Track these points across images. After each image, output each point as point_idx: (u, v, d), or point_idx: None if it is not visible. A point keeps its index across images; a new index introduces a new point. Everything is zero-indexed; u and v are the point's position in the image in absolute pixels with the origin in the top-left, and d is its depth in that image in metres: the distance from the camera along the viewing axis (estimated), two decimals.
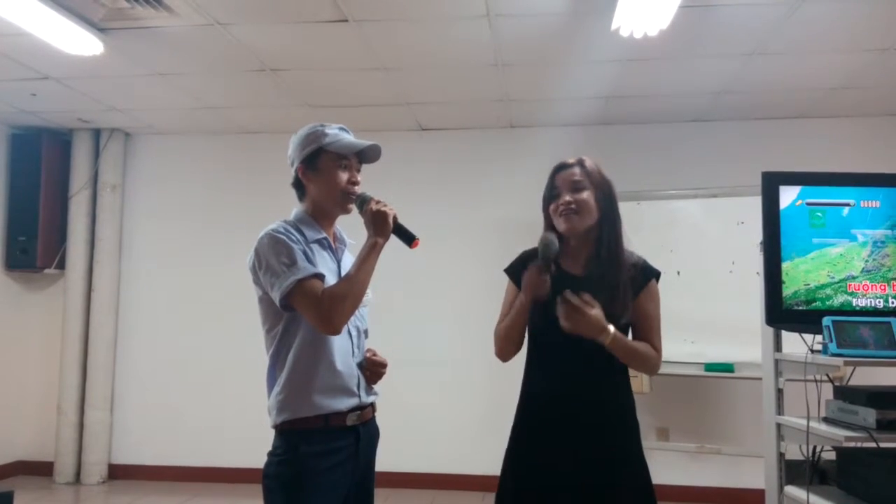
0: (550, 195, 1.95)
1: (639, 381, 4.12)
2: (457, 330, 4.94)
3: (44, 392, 5.26)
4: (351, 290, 1.77)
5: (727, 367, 4.17)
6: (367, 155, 1.96)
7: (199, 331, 5.21)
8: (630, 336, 1.93)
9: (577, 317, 1.76)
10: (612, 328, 1.79)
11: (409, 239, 1.90)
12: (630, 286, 1.89)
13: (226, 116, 4.97)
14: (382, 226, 1.84)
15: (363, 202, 1.88)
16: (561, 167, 1.96)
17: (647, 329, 1.92)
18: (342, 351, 1.84)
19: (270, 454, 1.81)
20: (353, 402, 1.83)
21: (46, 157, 5.20)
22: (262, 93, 4.42)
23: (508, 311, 1.97)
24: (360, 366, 1.91)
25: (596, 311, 1.77)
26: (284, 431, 1.79)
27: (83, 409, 5.14)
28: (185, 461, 5.08)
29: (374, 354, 1.97)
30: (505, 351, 1.97)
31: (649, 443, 4.63)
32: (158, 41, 3.63)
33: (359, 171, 1.96)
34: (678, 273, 4.33)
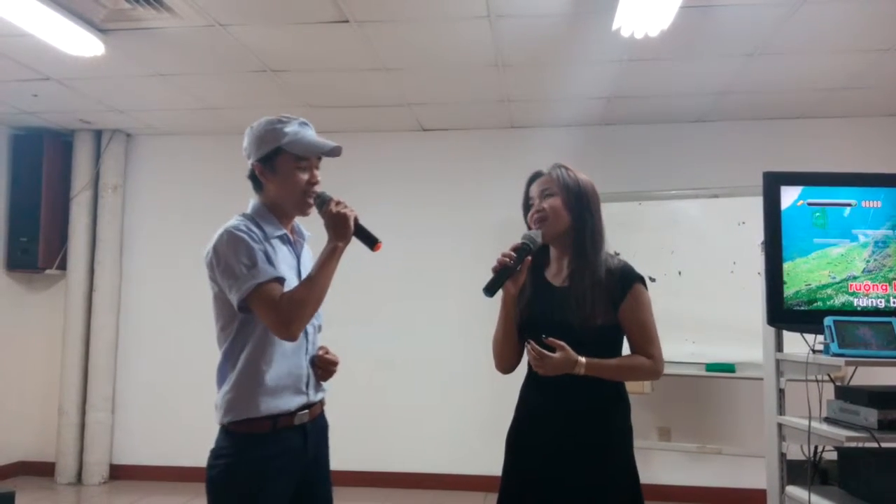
0: (526, 204, 2.03)
1: (639, 382, 4.12)
2: (457, 330, 4.94)
3: (45, 392, 5.27)
4: (310, 296, 1.71)
5: (728, 368, 4.17)
6: (329, 154, 1.87)
7: (200, 331, 5.17)
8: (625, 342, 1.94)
9: (545, 362, 1.80)
10: (582, 360, 1.80)
11: (371, 242, 1.81)
12: (604, 289, 1.87)
13: (227, 117, 4.97)
14: (343, 229, 1.77)
15: (323, 202, 1.80)
16: (533, 177, 2.03)
17: (639, 337, 1.90)
18: (295, 350, 1.81)
19: (215, 454, 1.77)
20: (301, 400, 1.81)
21: (48, 157, 5.21)
22: (264, 93, 4.42)
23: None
24: (312, 363, 1.88)
25: (559, 354, 1.79)
26: (231, 432, 1.76)
27: (84, 410, 5.15)
28: (186, 461, 5.08)
29: (327, 352, 1.93)
30: (503, 363, 1.99)
31: (650, 443, 4.63)
32: (159, 42, 3.63)
33: (318, 168, 1.88)
34: (679, 273, 4.33)
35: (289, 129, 1.83)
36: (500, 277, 1.81)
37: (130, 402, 5.27)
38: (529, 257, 1.85)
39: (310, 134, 1.87)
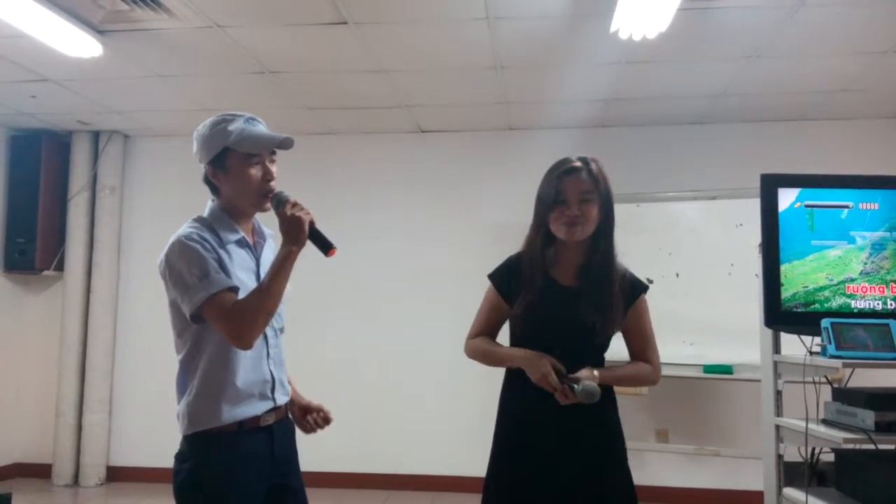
0: (555, 200, 1.84)
1: None
2: (455, 331, 4.89)
3: (42, 394, 5.25)
4: (263, 304, 1.66)
5: (726, 369, 4.17)
6: (280, 147, 1.80)
7: None
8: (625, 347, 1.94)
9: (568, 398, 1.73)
10: (595, 372, 1.76)
11: (325, 247, 1.74)
12: (622, 300, 1.85)
13: None
14: (297, 233, 1.69)
15: (280, 203, 1.73)
16: (568, 171, 1.85)
17: (642, 344, 1.91)
18: (256, 356, 1.76)
19: (179, 459, 1.73)
20: (266, 405, 1.77)
21: (46, 158, 5.20)
22: (262, 95, 4.42)
23: (486, 317, 1.97)
24: (305, 410, 1.88)
25: (583, 374, 1.74)
26: (194, 435, 1.71)
27: (81, 411, 5.13)
28: None
29: (321, 409, 1.93)
30: (481, 362, 1.98)
31: (648, 444, 4.63)
32: (157, 43, 3.63)
33: (273, 162, 1.81)
34: (677, 275, 4.34)
35: (233, 126, 1.78)
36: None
37: (128, 403, 5.26)
38: (567, 399, 1.74)
39: (258, 129, 1.81)
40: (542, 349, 1.80)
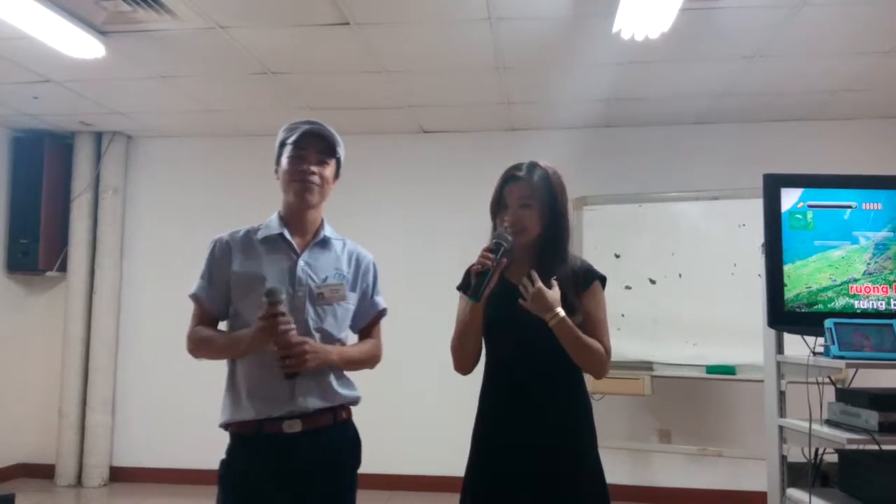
0: (498, 205, 1.95)
1: (640, 384, 4.12)
2: None
3: (45, 394, 5.26)
4: (207, 353, 1.89)
5: (729, 370, 4.16)
6: (328, 142, 1.90)
7: None
8: None
9: (538, 294, 1.76)
10: (561, 311, 1.77)
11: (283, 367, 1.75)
12: (573, 287, 1.88)
13: (227, 119, 4.97)
14: (264, 339, 1.74)
15: (271, 301, 1.72)
16: (509, 179, 1.94)
17: (594, 330, 1.88)
18: (274, 357, 1.77)
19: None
20: (287, 408, 1.78)
21: (48, 159, 5.21)
22: (264, 96, 4.43)
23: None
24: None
25: (554, 291, 1.79)
26: (229, 433, 1.86)
27: (84, 412, 5.14)
28: (186, 464, 5.07)
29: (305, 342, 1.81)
30: (465, 364, 1.92)
31: (651, 445, 4.63)
32: (160, 44, 3.63)
33: (322, 163, 1.89)
34: (680, 275, 4.33)
35: (291, 124, 1.92)
36: (483, 279, 1.76)
37: (130, 404, 5.27)
38: (505, 259, 1.80)
39: (306, 126, 1.91)
40: (510, 349, 1.85)
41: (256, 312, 1.75)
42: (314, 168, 1.87)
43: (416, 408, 4.91)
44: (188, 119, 4.97)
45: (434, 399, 4.93)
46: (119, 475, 5.20)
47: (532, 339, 1.83)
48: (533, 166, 1.95)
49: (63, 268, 5.25)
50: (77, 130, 5.27)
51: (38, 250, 5.14)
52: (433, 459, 4.90)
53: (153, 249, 5.38)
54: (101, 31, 3.47)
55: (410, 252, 5.06)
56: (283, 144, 1.91)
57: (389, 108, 4.66)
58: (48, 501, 4.79)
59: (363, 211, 5.06)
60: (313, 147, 1.88)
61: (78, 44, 3.48)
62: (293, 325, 1.75)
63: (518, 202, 1.90)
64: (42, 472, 5.19)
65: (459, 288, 1.89)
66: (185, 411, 5.14)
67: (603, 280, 1.95)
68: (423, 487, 4.83)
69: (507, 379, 1.89)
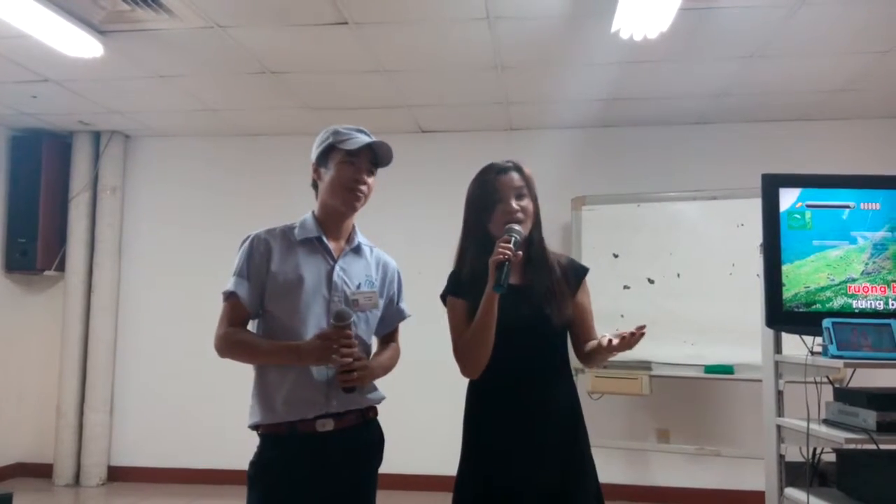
0: (493, 199, 1.89)
1: (638, 383, 4.13)
2: None
3: (43, 394, 5.26)
4: (244, 353, 1.84)
5: (727, 369, 4.17)
6: (381, 156, 1.92)
7: (198, 333, 5.18)
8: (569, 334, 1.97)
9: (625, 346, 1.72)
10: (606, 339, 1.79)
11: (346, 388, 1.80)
12: (566, 284, 1.92)
13: (226, 119, 4.97)
14: (316, 357, 1.76)
15: (340, 319, 1.75)
16: (500, 170, 1.93)
17: (589, 322, 1.97)
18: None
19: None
20: (319, 409, 1.80)
21: (47, 159, 5.20)
22: (262, 95, 4.42)
23: (465, 329, 1.86)
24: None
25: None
26: (259, 434, 1.85)
27: (83, 411, 5.14)
28: (184, 463, 5.07)
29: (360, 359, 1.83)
30: (478, 359, 1.82)
31: (649, 445, 4.63)
32: (158, 43, 3.63)
33: (371, 174, 1.91)
34: (678, 275, 4.34)
35: (343, 129, 1.89)
36: (506, 270, 1.74)
37: (129, 403, 5.27)
38: (521, 252, 1.80)
39: (365, 137, 1.89)
40: (508, 349, 1.81)
41: (292, 316, 1.80)
42: (368, 179, 1.91)
43: (414, 407, 4.90)
44: (187, 118, 4.96)
45: (432, 398, 4.93)
46: (117, 474, 5.20)
47: (525, 341, 1.83)
48: (516, 164, 1.97)
49: (61, 267, 5.24)
50: (75, 130, 5.27)
51: (37, 250, 5.13)
52: (432, 459, 4.89)
53: (151, 249, 5.37)
54: (99, 31, 3.47)
55: (409, 252, 5.04)
56: (332, 148, 1.88)
57: (388, 107, 4.66)
58: (46, 501, 4.79)
59: (361, 211, 5.06)
60: (366, 157, 1.90)
61: (76, 43, 3.48)
62: (356, 343, 1.79)
63: (514, 192, 1.90)
64: (40, 472, 5.19)
65: (447, 293, 1.91)
66: (183, 410, 5.14)
67: (587, 271, 2.01)
68: (421, 487, 4.83)
69: (500, 380, 1.86)
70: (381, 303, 1.99)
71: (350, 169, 1.86)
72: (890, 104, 4.53)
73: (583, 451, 1.89)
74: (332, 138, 1.87)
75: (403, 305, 2.11)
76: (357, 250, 1.98)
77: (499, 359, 1.83)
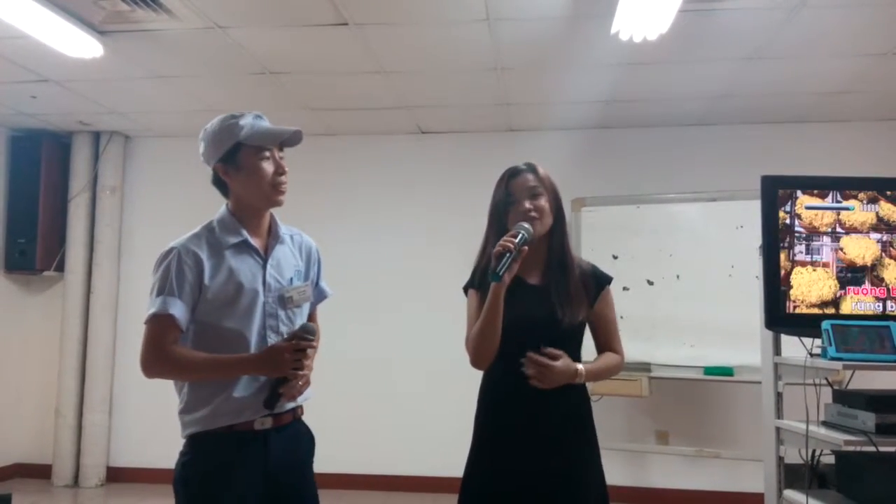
0: (507, 202, 1.95)
1: (637, 385, 4.12)
2: (455, 332, 4.91)
3: (42, 394, 5.25)
4: (186, 372, 1.73)
5: (727, 371, 4.16)
6: (289, 140, 1.82)
7: None
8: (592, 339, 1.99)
9: (548, 373, 1.80)
10: (580, 367, 1.84)
11: (270, 400, 1.75)
12: (584, 290, 1.93)
13: None
14: (274, 368, 1.72)
15: (306, 335, 1.74)
16: (513, 174, 1.98)
17: (609, 334, 1.99)
18: None
19: (179, 455, 1.78)
20: (261, 412, 1.76)
21: (46, 159, 5.20)
22: (263, 96, 4.42)
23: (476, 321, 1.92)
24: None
25: (561, 362, 1.81)
26: (188, 435, 1.77)
27: (82, 412, 5.14)
28: None
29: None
30: (485, 351, 1.86)
31: (649, 446, 4.63)
32: (158, 44, 3.63)
33: (282, 158, 1.82)
34: (678, 277, 4.33)
35: (244, 122, 1.79)
36: (505, 261, 1.76)
37: (128, 404, 5.26)
38: (526, 247, 1.81)
39: (266, 124, 1.82)
40: (518, 346, 1.84)
41: (235, 325, 1.74)
42: (286, 167, 1.83)
43: (414, 408, 4.90)
44: (186, 119, 4.96)
45: (431, 399, 4.93)
46: (116, 475, 5.20)
47: (536, 339, 1.84)
48: (530, 164, 2.01)
49: (60, 268, 5.24)
50: (75, 130, 5.26)
51: (36, 250, 5.13)
52: (431, 460, 4.89)
53: (151, 249, 5.26)
54: (99, 31, 3.47)
55: (408, 253, 5.06)
56: (240, 145, 1.78)
57: (388, 108, 4.66)
58: (45, 501, 4.78)
59: (361, 211, 5.06)
60: (276, 146, 1.83)
61: (76, 43, 3.48)
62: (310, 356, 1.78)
63: (528, 192, 1.93)
64: (39, 472, 5.18)
65: (467, 286, 1.93)
66: None
67: (610, 281, 2.02)
68: (421, 488, 4.82)
69: (510, 375, 1.88)
70: (310, 291, 1.95)
71: (267, 164, 1.78)
72: (889, 106, 4.53)
73: (591, 449, 1.91)
74: (235, 135, 1.76)
75: (324, 285, 2.05)
76: (277, 240, 1.90)
77: (510, 353, 1.86)
